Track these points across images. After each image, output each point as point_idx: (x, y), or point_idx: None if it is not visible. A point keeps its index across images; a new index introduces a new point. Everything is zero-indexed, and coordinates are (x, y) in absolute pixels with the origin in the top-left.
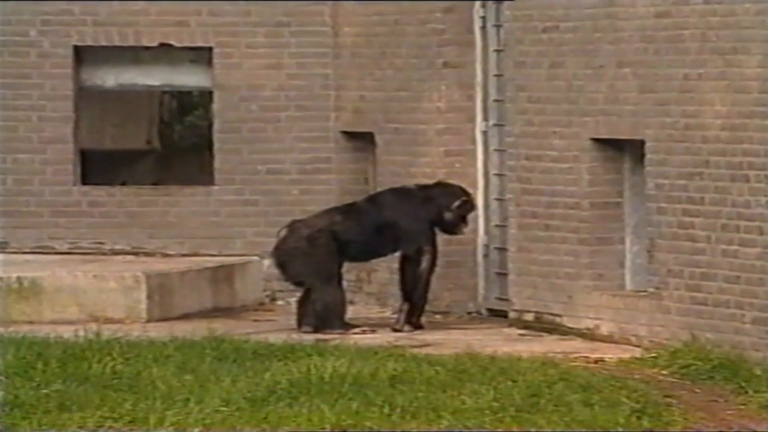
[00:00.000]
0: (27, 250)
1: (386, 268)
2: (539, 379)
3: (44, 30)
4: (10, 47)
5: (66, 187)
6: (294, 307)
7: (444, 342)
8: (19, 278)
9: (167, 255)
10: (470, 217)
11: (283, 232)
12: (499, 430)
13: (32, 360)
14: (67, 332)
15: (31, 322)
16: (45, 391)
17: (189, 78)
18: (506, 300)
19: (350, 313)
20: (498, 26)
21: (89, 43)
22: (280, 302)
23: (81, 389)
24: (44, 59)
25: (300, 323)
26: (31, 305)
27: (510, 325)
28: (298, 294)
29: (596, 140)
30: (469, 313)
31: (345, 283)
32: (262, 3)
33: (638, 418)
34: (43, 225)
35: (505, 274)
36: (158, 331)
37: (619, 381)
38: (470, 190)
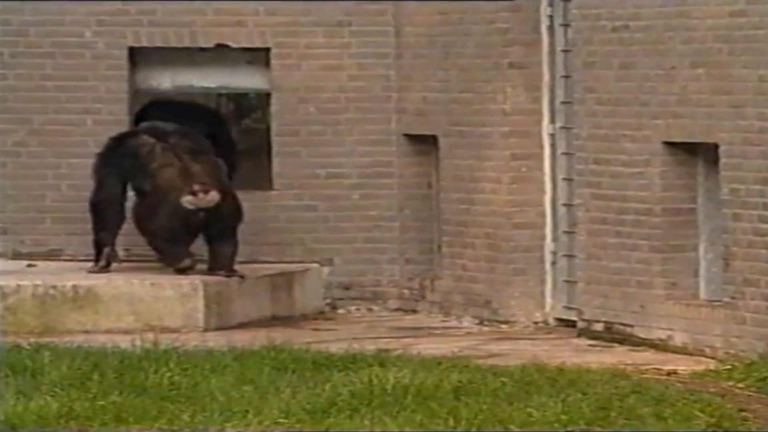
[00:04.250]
0: (82, 258)
1: (450, 276)
2: (610, 392)
3: (99, 31)
4: (64, 48)
5: None
6: (354, 315)
7: (510, 352)
8: (74, 286)
9: None
10: (537, 222)
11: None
12: None
13: (88, 371)
14: (123, 342)
15: (86, 332)
16: (101, 402)
17: (246, 80)
18: (575, 309)
19: (412, 321)
20: (566, 25)
21: (144, 44)
22: (340, 311)
23: (138, 401)
24: (99, 61)
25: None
26: (86, 314)
27: (579, 335)
28: (359, 302)
29: (668, 144)
30: (536, 322)
31: (405, 291)
32: (321, 2)
33: None
34: None
35: (574, 282)
36: (216, 341)
37: (693, 394)
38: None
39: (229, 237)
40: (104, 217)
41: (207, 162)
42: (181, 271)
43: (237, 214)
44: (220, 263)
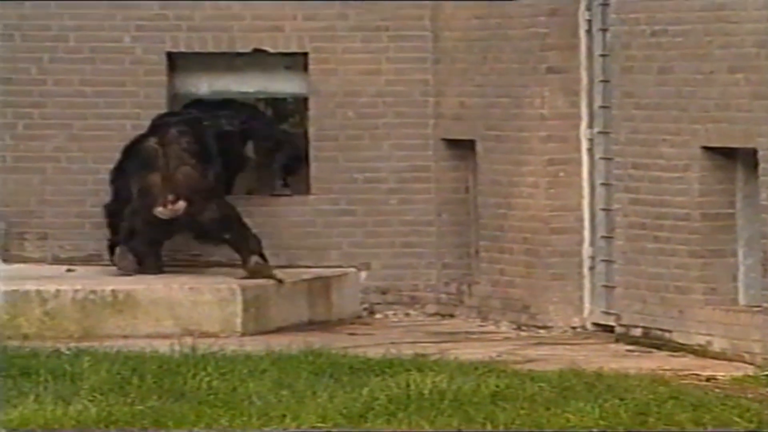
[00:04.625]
0: None
1: (487, 281)
2: (648, 397)
3: (138, 36)
4: (103, 54)
5: None
6: (391, 320)
7: (548, 357)
8: (113, 291)
9: None
10: (575, 227)
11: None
12: None
13: (127, 375)
14: (162, 346)
15: (126, 336)
16: (140, 407)
17: (284, 84)
18: (613, 314)
19: (450, 326)
20: (604, 30)
21: (183, 49)
22: (377, 315)
23: (176, 405)
24: (138, 66)
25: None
26: (125, 319)
27: (617, 341)
28: (396, 307)
29: (707, 148)
30: (574, 327)
31: (442, 296)
32: (359, 7)
33: None
34: None
35: (612, 288)
36: (254, 345)
37: (732, 400)
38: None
39: (234, 240)
40: (115, 223)
41: (193, 169)
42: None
43: (215, 223)
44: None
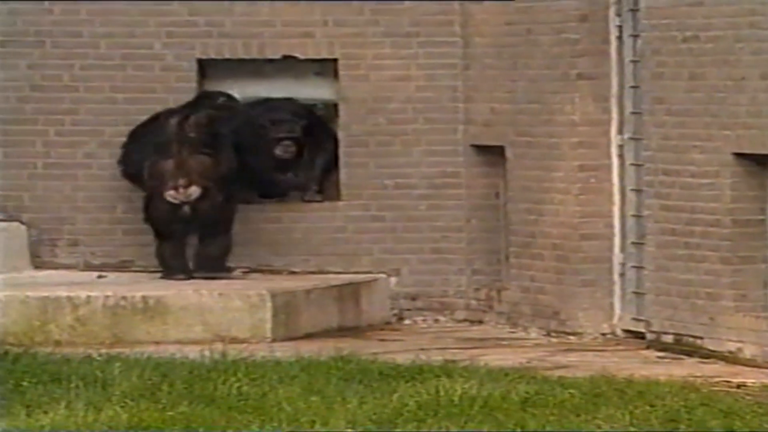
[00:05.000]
0: (153, 269)
1: (517, 287)
2: (679, 404)
3: (168, 43)
4: (134, 60)
5: None
6: (421, 326)
7: (578, 364)
8: (144, 297)
9: (292, 272)
10: (605, 233)
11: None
12: None
13: (158, 381)
14: (192, 352)
15: (156, 342)
16: (170, 413)
17: (314, 91)
18: (643, 321)
19: (479, 332)
20: (635, 36)
21: (213, 56)
22: (407, 321)
23: (206, 411)
24: (168, 73)
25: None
26: (156, 325)
27: (647, 347)
28: (426, 313)
29: (738, 155)
30: (604, 334)
31: (472, 302)
32: (390, 12)
33: None
34: None
35: (643, 294)
36: (283, 351)
37: (763, 407)
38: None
39: (215, 237)
40: None
41: (205, 156)
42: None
43: (217, 212)
44: (198, 264)
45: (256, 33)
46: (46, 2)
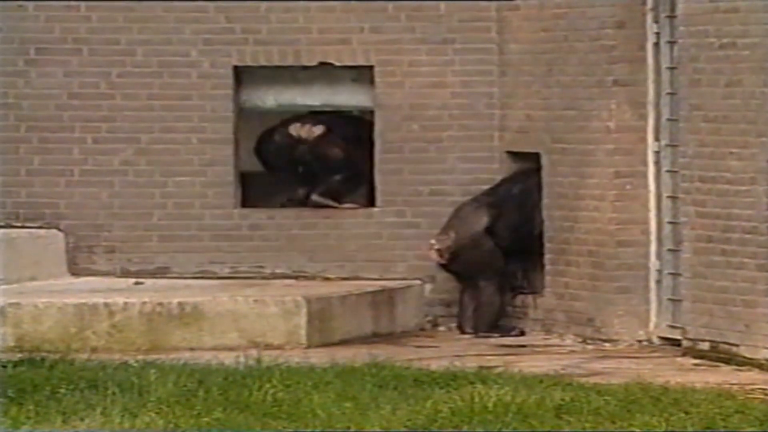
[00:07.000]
0: (188, 275)
1: (552, 294)
2: (714, 411)
3: (205, 50)
4: (171, 68)
5: (226, 210)
6: (455, 332)
7: (613, 371)
8: (180, 304)
9: (327, 279)
10: (641, 240)
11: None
12: None
13: (193, 388)
14: (227, 359)
15: (192, 349)
16: (206, 419)
17: (350, 98)
18: (679, 328)
19: (514, 339)
20: (672, 43)
21: (249, 63)
22: (441, 328)
23: (241, 417)
24: (205, 80)
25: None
26: (191, 331)
27: (683, 354)
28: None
29: None
30: (640, 341)
31: (508, 309)
32: (425, 19)
33: None
34: (204, 249)
35: (679, 301)
36: (318, 357)
37: None
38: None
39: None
40: None
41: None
42: None
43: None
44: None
45: (292, 40)
46: (83, 9)
